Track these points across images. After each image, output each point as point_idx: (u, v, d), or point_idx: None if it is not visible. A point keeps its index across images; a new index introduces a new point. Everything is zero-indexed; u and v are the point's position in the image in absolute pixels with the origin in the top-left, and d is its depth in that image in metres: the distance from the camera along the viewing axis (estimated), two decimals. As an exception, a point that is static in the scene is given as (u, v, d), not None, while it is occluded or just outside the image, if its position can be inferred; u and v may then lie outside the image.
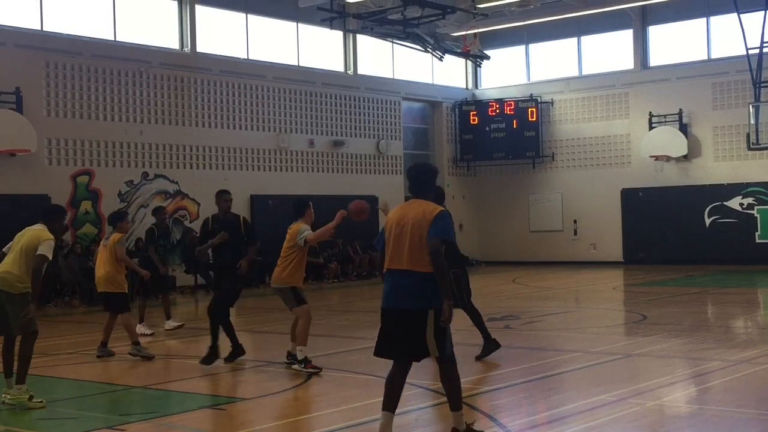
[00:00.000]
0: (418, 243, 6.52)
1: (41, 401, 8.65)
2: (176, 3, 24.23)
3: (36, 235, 8.74)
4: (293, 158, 26.66)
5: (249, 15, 25.83)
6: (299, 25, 27.14)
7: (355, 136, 28.60)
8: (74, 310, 19.13)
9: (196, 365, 11.29)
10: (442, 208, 6.73)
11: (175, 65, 23.92)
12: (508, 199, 31.87)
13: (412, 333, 6.50)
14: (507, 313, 15.99)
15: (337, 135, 27.99)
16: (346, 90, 28.47)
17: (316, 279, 25.11)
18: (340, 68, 28.64)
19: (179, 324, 15.18)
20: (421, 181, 6.92)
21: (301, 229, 10.81)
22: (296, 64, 27.09)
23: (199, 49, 24.52)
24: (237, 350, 11.00)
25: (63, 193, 21.32)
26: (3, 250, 9.09)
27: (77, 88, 21.89)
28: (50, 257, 8.73)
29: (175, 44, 24.27)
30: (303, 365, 10.37)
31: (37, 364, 11.63)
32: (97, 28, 22.55)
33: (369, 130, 29.09)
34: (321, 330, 14.95)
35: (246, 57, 25.78)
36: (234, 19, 25.58)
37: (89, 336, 14.67)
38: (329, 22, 25.95)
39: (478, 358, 10.76)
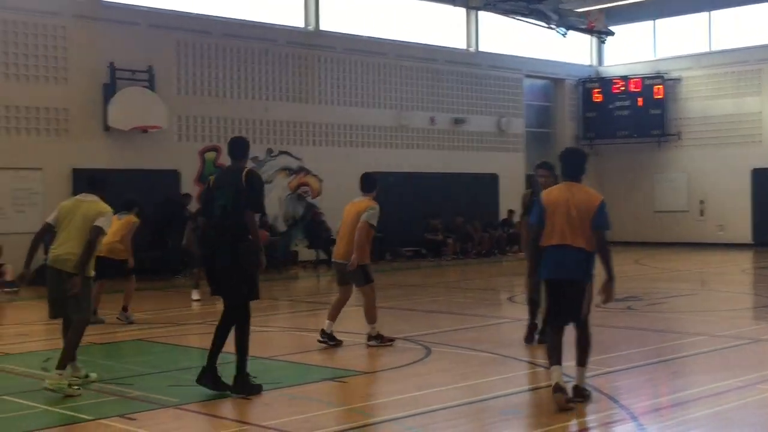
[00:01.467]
0: (586, 225, 7.51)
1: (78, 388, 8.30)
2: (302, -19, 24.55)
3: (95, 208, 8.51)
4: (414, 135, 26.69)
5: (372, -7, 25.95)
6: (422, 2, 27.08)
7: (476, 113, 28.41)
8: (201, 281, 19.66)
9: (316, 338, 11.51)
10: (603, 197, 7.64)
11: (299, 43, 24.24)
12: (631, 178, 31.13)
13: (572, 300, 7.57)
14: (629, 294, 15.67)
15: (458, 112, 27.87)
16: (468, 67, 28.30)
17: (435, 256, 25.19)
18: (462, 45, 28.46)
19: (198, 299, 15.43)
20: (576, 165, 7.84)
21: (370, 208, 10.47)
22: (418, 42, 27.07)
23: (323, 27, 24.77)
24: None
25: (191, 168, 21.96)
26: (49, 221, 8.69)
27: (206, 67, 22.45)
28: (107, 231, 8.65)
29: (300, 22, 24.59)
30: (379, 341, 10.48)
31: (167, 333, 12.10)
32: (226, 8, 23.04)
33: (490, 107, 28.84)
34: (440, 307, 15.03)
35: (369, 35, 25.90)
36: (357, -3, 25.76)
37: (217, 306, 15.12)
38: (452, 0, 25.83)
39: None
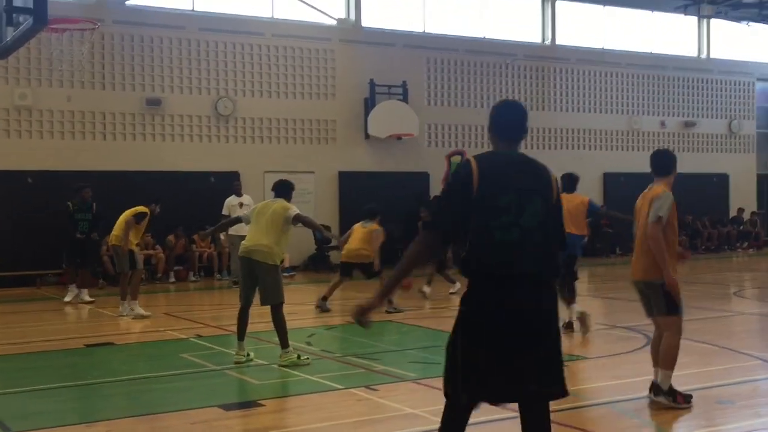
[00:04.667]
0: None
1: (308, 358, 8.67)
2: (539, 0, 24.23)
3: (282, 205, 8.81)
4: (644, 138, 25.64)
5: (606, 6, 25.16)
6: (653, 13, 25.94)
7: (707, 116, 26.84)
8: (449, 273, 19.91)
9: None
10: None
11: (536, 57, 23.95)
12: None
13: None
14: None
15: (688, 116, 26.46)
16: (698, 73, 26.77)
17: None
18: (693, 53, 26.97)
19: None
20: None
21: (660, 204, 6.81)
22: (649, 51, 25.95)
23: (558, 41, 24.33)
24: None
25: (438, 170, 22.24)
26: (241, 216, 9.36)
27: (452, 80, 22.70)
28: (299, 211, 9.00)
29: (537, 38, 24.30)
30: (671, 398, 6.79)
31: (412, 316, 12.35)
32: (470, 28, 23.19)
33: (720, 110, 27.15)
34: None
35: (602, 46, 25.16)
36: (592, 11, 25.06)
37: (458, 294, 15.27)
38: (683, 9, 24.58)
39: None
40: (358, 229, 13.25)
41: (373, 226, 13.25)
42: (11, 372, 9.00)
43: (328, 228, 10.36)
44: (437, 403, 7.16)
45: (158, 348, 10.22)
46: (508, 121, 4.45)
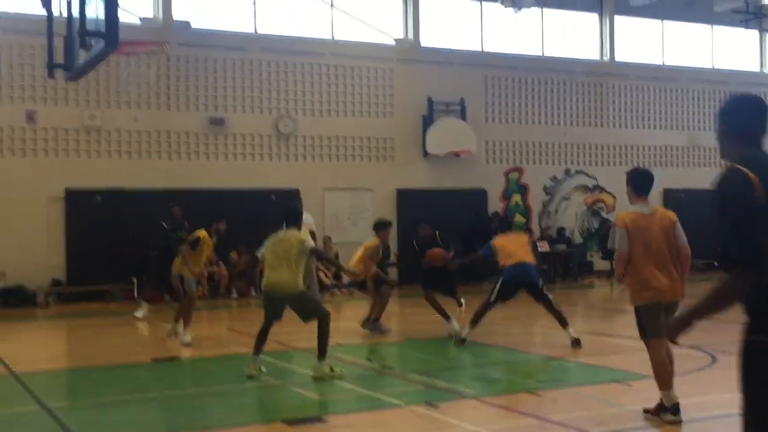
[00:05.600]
0: None
1: (341, 370, 8.76)
2: (597, 16, 24.03)
3: (297, 239, 8.86)
4: (705, 155, 25.15)
5: (665, 21, 24.82)
6: (714, 27, 25.50)
7: (770, 131, 26.26)
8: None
9: (611, 343, 11.15)
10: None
11: (595, 73, 23.74)
12: None
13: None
14: None
15: (750, 131, 25.92)
16: (760, 88, 26.05)
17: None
18: (755, 68, 26.44)
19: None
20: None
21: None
22: (710, 66, 25.50)
23: (617, 57, 24.08)
24: None
25: (496, 187, 22.18)
26: (257, 255, 9.19)
27: (510, 98, 22.63)
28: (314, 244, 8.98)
29: (595, 55, 24.07)
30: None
31: (473, 333, 12.25)
32: (528, 45, 23.09)
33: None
34: (730, 316, 13.97)
35: (661, 62, 24.81)
36: (650, 26, 24.75)
37: (512, 311, 15.12)
38: (744, 23, 24.12)
39: None
40: (358, 250, 12.48)
41: (374, 241, 12.48)
42: (82, 384, 9.20)
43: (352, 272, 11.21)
44: (499, 420, 7.13)
45: (222, 363, 10.33)
46: (753, 118, 3.61)
